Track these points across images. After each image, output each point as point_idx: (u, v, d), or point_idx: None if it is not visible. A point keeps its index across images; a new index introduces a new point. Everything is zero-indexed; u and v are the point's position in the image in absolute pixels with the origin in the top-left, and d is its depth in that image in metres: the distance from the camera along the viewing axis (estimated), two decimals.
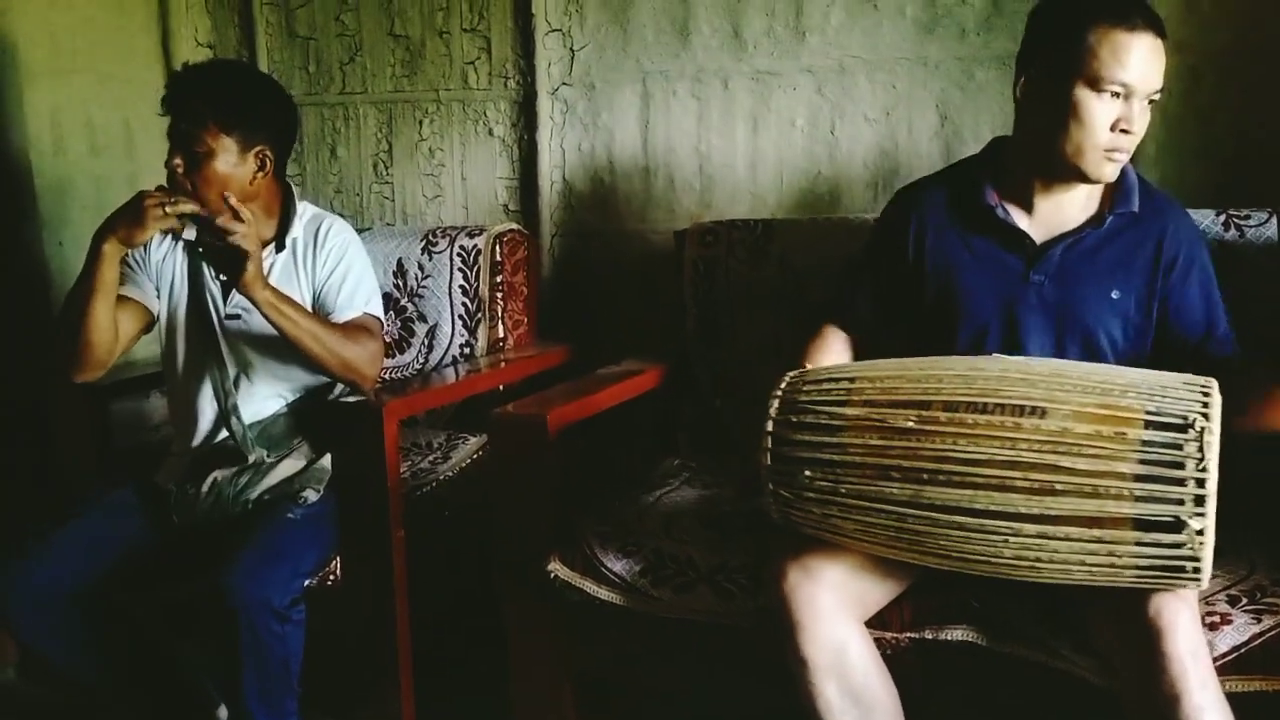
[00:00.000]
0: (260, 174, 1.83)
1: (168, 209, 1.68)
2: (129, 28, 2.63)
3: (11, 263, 2.38)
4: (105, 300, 1.73)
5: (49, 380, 2.08)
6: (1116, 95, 1.44)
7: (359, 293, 1.90)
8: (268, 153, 1.84)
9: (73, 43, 2.48)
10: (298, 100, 2.65)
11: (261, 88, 1.90)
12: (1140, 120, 1.45)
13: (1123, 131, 1.44)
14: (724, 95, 2.39)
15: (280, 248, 1.89)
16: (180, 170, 1.76)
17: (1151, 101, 1.46)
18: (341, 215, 2.01)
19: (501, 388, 2.22)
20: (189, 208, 1.71)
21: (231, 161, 1.78)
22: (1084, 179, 1.50)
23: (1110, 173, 1.49)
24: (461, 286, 2.31)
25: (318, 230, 1.92)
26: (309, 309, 1.87)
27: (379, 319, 1.93)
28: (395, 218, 2.70)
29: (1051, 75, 1.47)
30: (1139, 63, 1.43)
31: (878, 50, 2.27)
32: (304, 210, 1.95)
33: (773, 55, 2.34)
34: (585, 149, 2.50)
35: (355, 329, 1.85)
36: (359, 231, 2.02)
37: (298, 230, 1.91)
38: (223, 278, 1.86)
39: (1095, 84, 1.43)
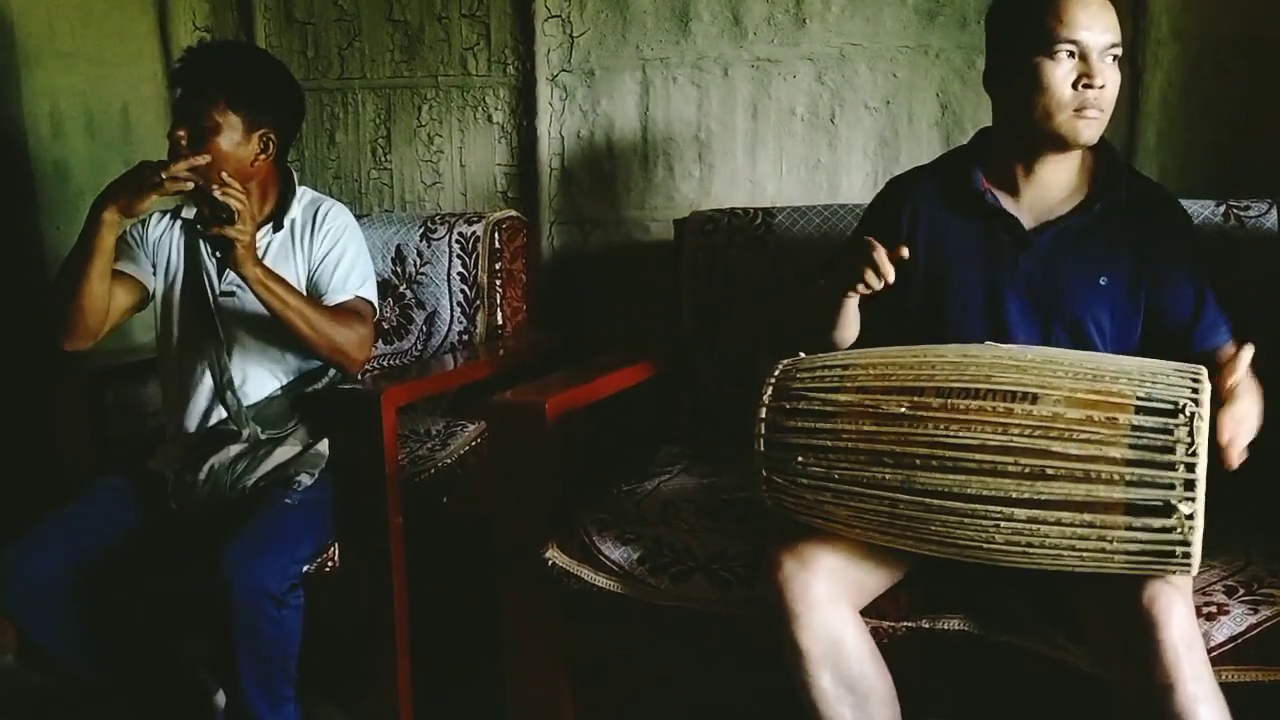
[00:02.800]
0: (262, 156, 1.85)
1: (167, 180, 1.69)
2: (127, 12, 2.62)
3: (9, 247, 2.37)
4: (101, 268, 1.73)
5: (48, 366, 2.08)
6: (1071, 55, 1.46)
7: (353, 276, 1.90)
8: (271, 136, 1.85)
9: (70, 27, 2.47)
10: None
11: (273, 72, 1.92)
12: (1103, 75, 1.46)
13: (1085, 86, 1.46)
14: (724, 83, 2.38)
15: (278, 227, 1.90)
16: (183, 143, 1.77)
17: (1115, 58, 1.47)
18: (340, 201, 2.01)
19: (500, 375, 2.22)
20: (189, 185, 1.71)
21: (235, 140, 1.80)
22: (1064, 144, 1.50)
23: (1087, 133, 1.49)
24: (460, 273, 2.30)
25: (316, 212, 1.93)
26: (303, 289, 1.88)
27: (372, 304, 1.93)
28: (394, 204, 2.69)
29: (1009, 55, 1.51)
30: (1083, 17, 1.46)
31: (879, 38, 2.27)
32: (303, 194, 1.96)
33: (773, 43, 2.33)
34: (584, 136, 2.50)
35: (346, 312, 1.85)
36: (357, 218, 2.02)
37: (295, 211, 1.92)
38: (219, 254, 1.87)
39: (1047, 48, 1.46)
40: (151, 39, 2.67)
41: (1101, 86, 1.46)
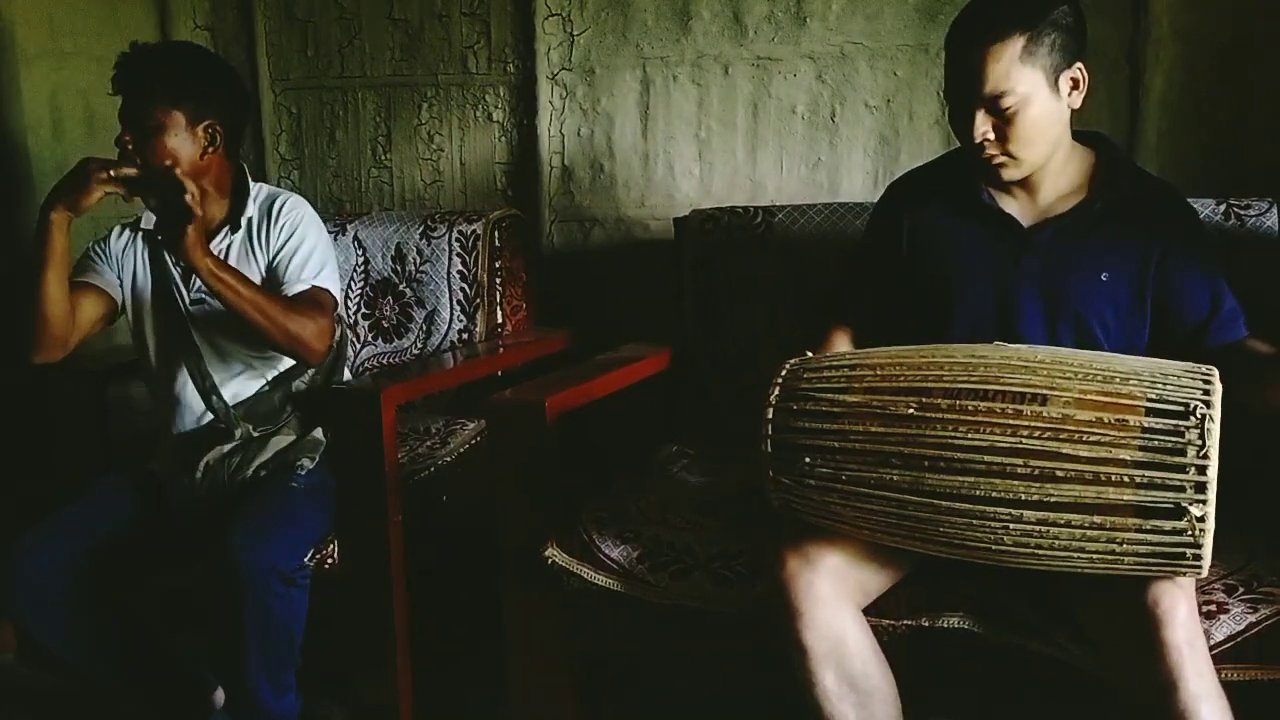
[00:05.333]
0: (211, 149, 1.84)
1: (111, 172, 1.69)
2: (127, 11, 2.63)
3: (9, 247, 2.37)
4: (57, 272, 1.72)
5: (48, 366, 2.08)
6: (968, 107, 1.48)
7: (309, 264, 1.87)
8: (217, 127, 1.84)
9: (71, 26, 2.47)
10: (296, 84, 2.65)
11: (209, 64, 1.91)
12: (981, 128, 1.47)
13: (985, 139, 1.48)
14: (724, 81, 2.38)
15: (235, 228, 1.89)
16: (130, 146, 1.77)
17: (1006, 108, 1.45)
18: (340, 200, 2.00)
19: (500, 373, 2.22)
20: (130, 170, 1.72)
21: (181, 136, 1.80)
22: (995, 181, 1.55)
23: (1004, 174, 1.53)
24: (460, 272, 2.30)
25: (271, 206, 1.91)
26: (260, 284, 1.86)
27: (331, 293, 1.89)
28: (394, 202, 2.69)
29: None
30: (954, 71, 1.50)
31: (879, 37, 2.26)
32: (258, 190, 1.94)
33: (773, 41, 2.33)
34: (585, 134, 2.49)
35: (304, 302, 1.82)
36: (356, 216, 2.02)
37: (252, 210, 1.90)
38: (168, 243, 1.86)
39: (947, 96, 1.53)
40: (152, 38, 2.66)
41: (982, 140, 1.48)
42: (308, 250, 1.88)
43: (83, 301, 1.82)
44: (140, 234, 1.92)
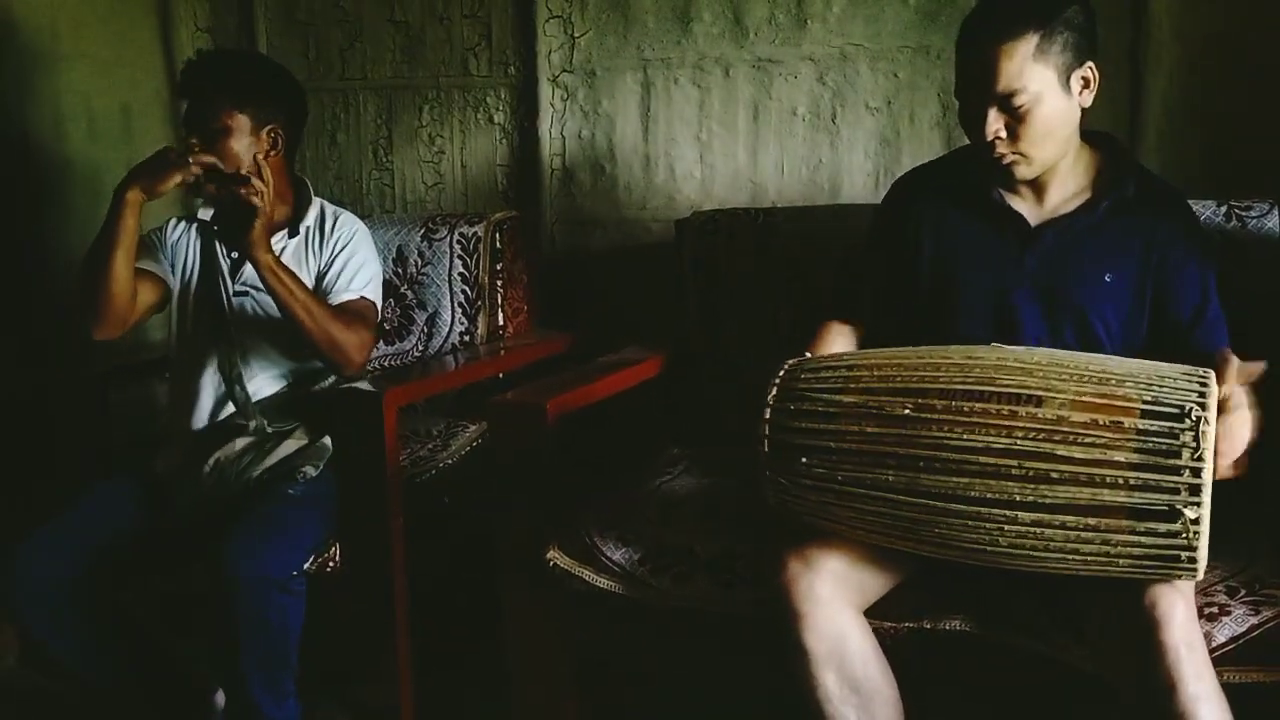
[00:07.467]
0: (273, 152, 1.90)
1: (190, 159, 1.77)
2: (129, 14, 2.63)
3: (11, 248, 2.37)
4: (125, 250, 1.77)
5: (51, 367, 2.08)
6: (980, 105, 1.48)
7: (359, 276, 1.93)
8: (279, 132, 1.91)
9: (73, 29, 2.47)
10: None
11: (274, 71, 2.00)
12: (993, 126, 1.47)
13: (997, 138, 1.48)
14: (725, 83, 2.38)
15: (293, 234, 1.95)
16: (196, 149, 1.82)
17: (1018, 106, 1.46)
18: (340, 202, 2.03)
19: (501, 375, 2.22)
20: (209, 159, 1.80)
21: (245, 139, 1.87)
22: (1006, 180, 1.55)
23: (1016, 172, 1.52)
24: (461, 274, 2.31)
25: (327, 219, 1.99)
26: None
27: (375, 305, 1.95)
28: (395, 205, 2.69)
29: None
30: (966, 67, 1.50)
31: (880, 38, 2.27)
32: (318, 203, 2.01)
33: (774, 43, 2.33)
34: (586, 137, 2.50)
35: (349, 313, 1.87)
36: (359, 219, 2.04)
37: (310, 219, 1.97)
38: (234, 255, 1.93)
39: (957, 93, 1.53)
40: (153, 40, 2.67)
41: (993, 139, 1.48)
42: (358, 263, 1.94)
43: (140, 285, 1.86)
44: (195, 225, 1.98)
